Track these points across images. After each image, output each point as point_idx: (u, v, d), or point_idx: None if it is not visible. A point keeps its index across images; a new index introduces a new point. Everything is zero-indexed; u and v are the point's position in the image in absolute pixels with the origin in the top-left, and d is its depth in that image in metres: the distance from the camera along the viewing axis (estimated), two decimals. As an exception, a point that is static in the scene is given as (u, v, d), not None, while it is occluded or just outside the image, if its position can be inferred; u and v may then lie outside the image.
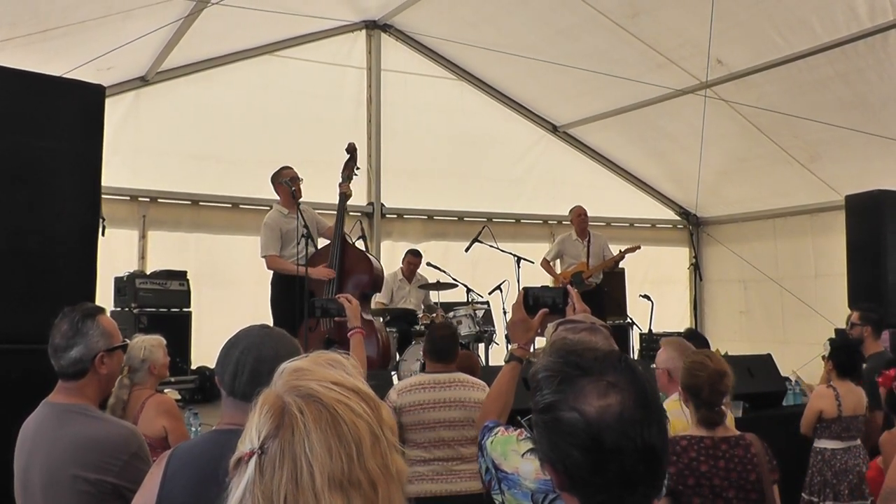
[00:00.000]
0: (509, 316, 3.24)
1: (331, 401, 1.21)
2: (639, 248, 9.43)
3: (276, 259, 6.86)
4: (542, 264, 9.42)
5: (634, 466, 1.38)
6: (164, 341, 4.36)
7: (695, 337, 5.80)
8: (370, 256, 7.22)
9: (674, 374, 3.78)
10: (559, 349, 1.54)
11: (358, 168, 7.17)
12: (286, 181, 6.92)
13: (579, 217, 9.42)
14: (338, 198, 7.00)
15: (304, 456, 1.16)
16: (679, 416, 3.53)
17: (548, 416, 1.45)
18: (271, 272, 6.99)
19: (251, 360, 2.11)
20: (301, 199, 6.94)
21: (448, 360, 4.62)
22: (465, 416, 4.42)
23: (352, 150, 7.12)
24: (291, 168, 7.06)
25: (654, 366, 4.15)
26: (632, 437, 1.37)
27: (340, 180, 7.04)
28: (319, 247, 6.97)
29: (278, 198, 7.09)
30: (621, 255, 9.37)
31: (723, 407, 3.36)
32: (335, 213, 6.95)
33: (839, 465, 5.08)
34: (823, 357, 5.58)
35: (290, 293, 6.45)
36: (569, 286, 2.92)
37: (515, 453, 2.08)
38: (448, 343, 4.68)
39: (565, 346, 1.57)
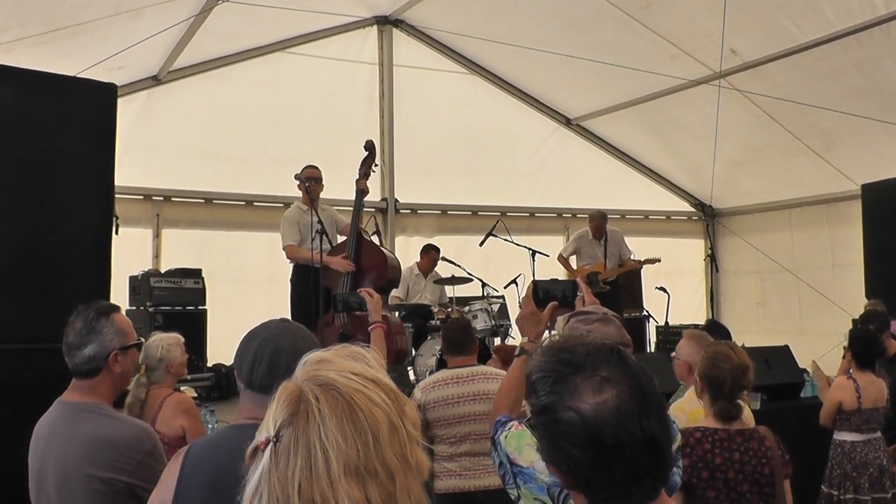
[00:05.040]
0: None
1: (348, 389, 1.20)
2: (658, 260, 9.36)
3: (295, 247, 6.94)
4: (558, 259, 9.37)
5: (638, 460, 1.36)
6: (182, 339, 4.33)
7: (716, 328, 5.76)
8: (386, 251, 7.20)
9: (694, 367, 3.73)
10: (550, 347, 1.53)
11: (376, 165, 7.21)
12: (303, 179, 6.95)
13: (597, 225, 9.27)
14: (354, 194, 7.02)
15: (319, 442, 1.15)
16: (698, 406, 3.49)
17: (545, 417, 1.44)
18: (290, 271, 7.06)
19: (269, 351, 2.10)
20: (319, 197, 6.99)
21: (465, 352, 4.62)
22: (490, 409, 4.40)
23: (370, 146, 7.14)
24: (313, 168, 7.09)
25: (673, 354, 4.12)
26: (631, 430, 1.35)
27: (358, 176, 7.06)
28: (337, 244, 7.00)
29: (300, 194, 7.13)
30: (640, 265, 9.35)
31: (739, 400, 3.29)
32: (351, 208, 6.96)
33: (859, 457, 5.02)
34: (844, 347, 5.51)
35: (308, 289, 6.49)
36: (578, 279, 2.90)
37: (530, 447, 2.06)
38: (461, 335, 4.67)
39: (556, 343, 1.55)
